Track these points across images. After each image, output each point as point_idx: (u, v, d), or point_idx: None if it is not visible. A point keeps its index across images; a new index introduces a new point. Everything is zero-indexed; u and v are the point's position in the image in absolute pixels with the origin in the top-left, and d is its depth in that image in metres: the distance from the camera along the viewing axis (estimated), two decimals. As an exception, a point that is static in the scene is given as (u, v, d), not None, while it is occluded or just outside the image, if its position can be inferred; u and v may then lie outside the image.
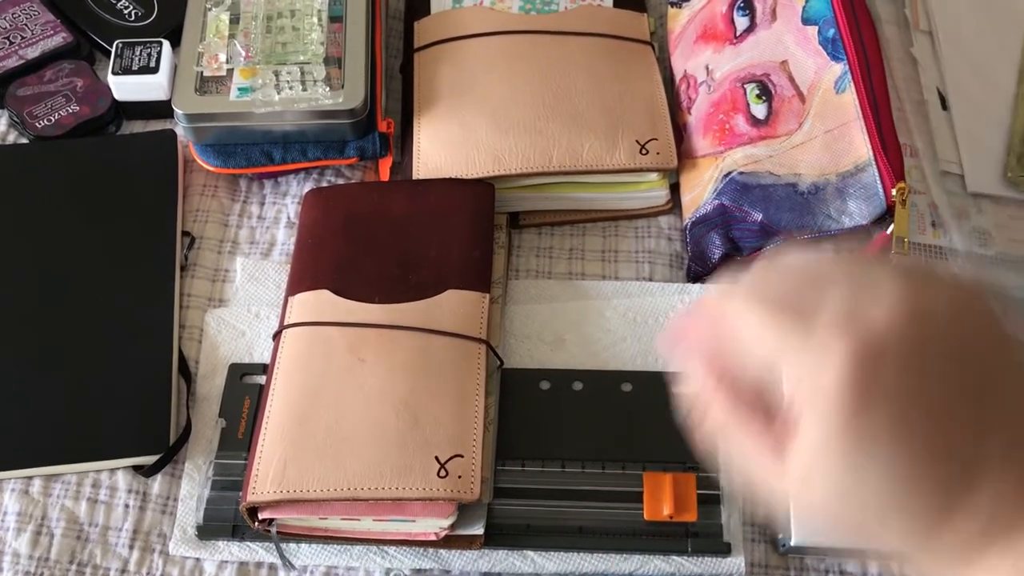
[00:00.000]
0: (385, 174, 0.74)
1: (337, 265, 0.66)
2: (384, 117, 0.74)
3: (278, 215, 0.75)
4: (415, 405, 0.59)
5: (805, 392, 0.35)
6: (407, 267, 0.66)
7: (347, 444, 0.58)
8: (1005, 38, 0.75)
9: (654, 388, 0.65)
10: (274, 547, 0.60)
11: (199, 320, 0.69)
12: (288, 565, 0.60)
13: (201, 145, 0.73)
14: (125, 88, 0.77)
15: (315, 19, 0.74)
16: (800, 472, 0.36)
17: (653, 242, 0.73)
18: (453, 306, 0.64)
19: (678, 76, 0.78)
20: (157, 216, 0.72)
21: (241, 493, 0.58)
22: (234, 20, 0.74)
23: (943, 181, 0.68)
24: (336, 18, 0.75)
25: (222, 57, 0.72)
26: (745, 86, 0.70)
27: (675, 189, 0.74)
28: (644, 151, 0.71)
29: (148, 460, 0.63)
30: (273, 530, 0.58)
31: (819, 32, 0.68)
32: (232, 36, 0.73)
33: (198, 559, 0.61)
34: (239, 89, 0.71)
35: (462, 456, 0.58)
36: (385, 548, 0.60)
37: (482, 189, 0.69)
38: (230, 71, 0.72)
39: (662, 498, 0.60)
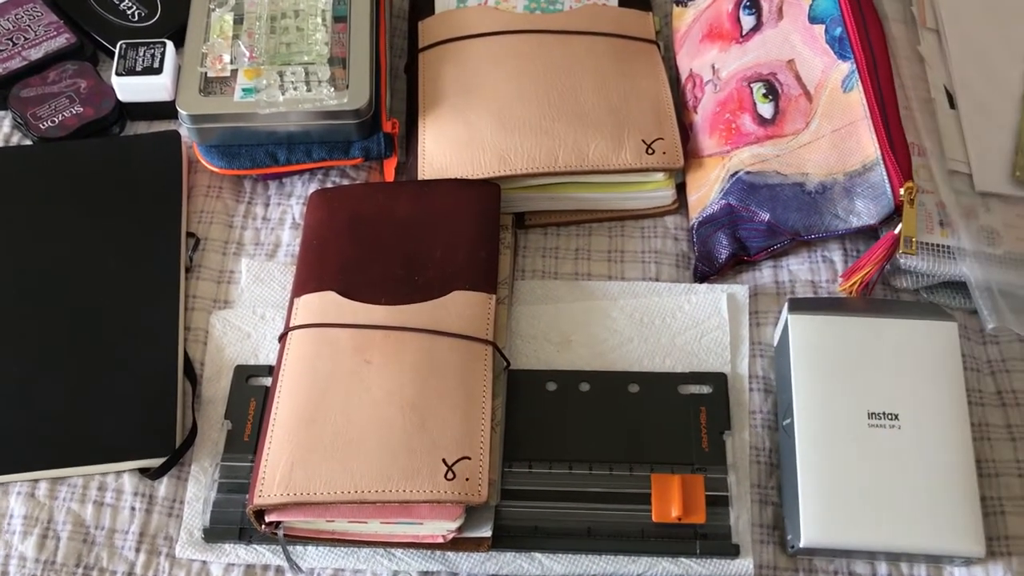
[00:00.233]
0: (390, 175, 0.74)
1: (343, 266, 0.66)
2: (389, 117, 0.74)
3: (283, 216, 0.74)
4: (422, 407, 0.59)
5: None
6: (413, 268, 0.65)
7: (354, 446, 0.58)
8: (1013, 36, 0.75)
9: (661, 389, 0.65)
10: (281, 550, 0.60)
11: (204, 322, 0.69)
12: (295, 568, 0.60)
13: (205, 146, 0.73)
14: (129, 89, 0.77)
15: (319, 19, 0.74)
16: None
17: (659, 242, 0.72)
18: (459, 307, 0.64)
19: (684, 75, 0.77)
20: (161, 217, 0.72)
21: (248, 496, 0.58)
22: (238, 20, 0.74)
23: (951, 180, 0.67)
24: (340, 18, 0.75)
25: (226, 58, 0.72)
26: (751, 85, 0.70)
27: (681, 189, 0.74)
28: (650, 151, 0.70)
29: (154, 463, 0.63)
30: (280, 532, 0.58)
31: (826, 31, 0.67)
32: (236, 37, 0.73)
33: (205, 562, 0.61)
34: (243, 90, 0.71)
35: (469, 458, 0.57)
36: (392, 550, 0.60)
37: (488, 189, 0.69)
38: (234, 72, 0.72)
39: (670, 500, 0.60)
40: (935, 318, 0.63)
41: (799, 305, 0.64)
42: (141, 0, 0.83)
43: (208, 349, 0.68)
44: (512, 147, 0.70)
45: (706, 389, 0.65)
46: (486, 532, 0.59)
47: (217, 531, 0.61)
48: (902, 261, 0.65)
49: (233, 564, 0.61)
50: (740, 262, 0.70)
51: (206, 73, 0.72)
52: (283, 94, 0.70)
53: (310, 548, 0.60)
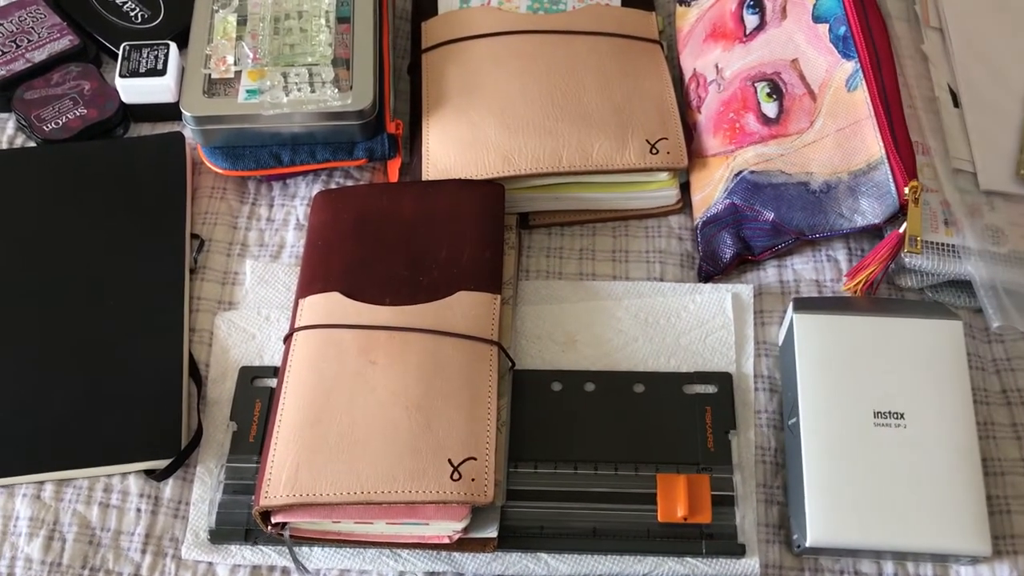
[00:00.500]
0: (394, 175, 0.74)
1: (347, 267, 0.66)
2: (393, 118, 0.74)
3: (287, 217, 0.74)
4: (427, 407, 0.59)
5: None
6: (417, 269, 0.65)
7: (360, 447, 0.58)
8: (1017, 34, 0.75)
9: (666, 389, 0.65)
10: (287, 551, 0.60)
11: (209, 323, 0.69)
12: (301, 568, 0.60)
13: (209, 147, 0.73)
14: (132, 91, 0.77)
15: (323, 20, 0.74)
16: None
17: (664, 242, 0.72)
18: (464, 308, 0.64)
19: (687, 75, 0.77)
20: (166, 219, 0.72)
21: (254, 497, 0.58)
22: (241, 22, 0.74)
23: (955, 179, 0.67)
24: (344, 19, 0.75)
25: (230, 59, 0.72)
26: (755, 84, 0.70)
27: (685, 189, 0.74)
28: (654, 150, 0.70)
29: (160, 464, 0.63)
30: (286, 533, 0.58)
31: (830, 30, 0.67)
32: (240, 38, 0.73)
33: (211, 563, 0.61)
34: (247, 91, 0.71)
35: (475, 459, 0.57)
36: (398, 551, 0.60)
37: (492, 189, 0.69)
38: (238, 73, 0.72)
39: (676, 499, 0.60)
40: (940, 317, 0.63)
41: (804, 304, 0.64)
42: (144, 2, 0.83)
43: (213, 350, 0.68)
44: (516, 147, 0.70)
45: (711, 389, 0.65)
46: (492, 532, 0.59)
47: (223, 532, 0.61)
48: (907, 260, 0.65)
49: (239, 565, 0.61)
50: (744, 261, 0.70)
51: (210, 74, 0.72)
52: (287, 95, 0.70)
53: (316, 549, 0.60)
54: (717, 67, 0.74)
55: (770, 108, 0.69)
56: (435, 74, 0.76)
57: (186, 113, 0.70)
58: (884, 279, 0.67)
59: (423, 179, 0.71)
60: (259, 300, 0.70)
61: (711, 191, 0.70)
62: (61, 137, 0.76)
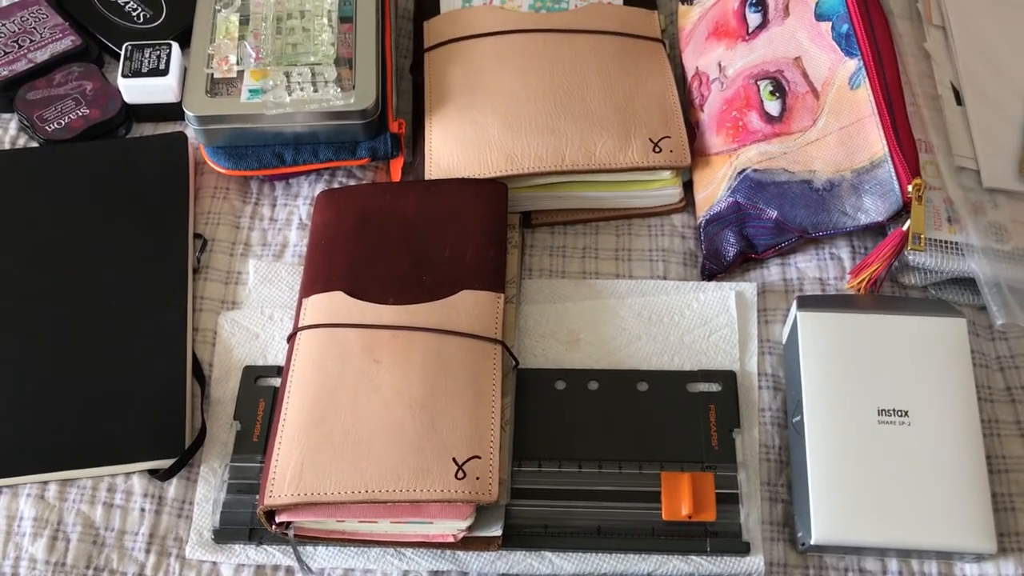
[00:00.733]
0: (397, 174, 0.74)
1: (351, 266, 0.66)
2: (395, 117, 0.74)
3: (290, 217, 0.74)
4: (431, 406, 0.59)
5: None
6: (421, 268, 0.65)
7: (364, 446, 0.58)
8: (1019, 31, 0.75)
9: (670, 387, 0.65)
10: (291, 550, 0.60)
11: (212, 323, 0.69)
12: (305, 568, 0.60)
13: (212, 147, 0.73)
14: (135, 91, 0.77)
15: (325, 20, 0.74)
16: None
17: (667, 240, 0.72)
18: (468, 306, 0.63)
19: (690, 73, 0.77)
20: (168, 219, 0.72)
21: (258, 496, 0.58)
22: (244, 21, 0.74)
23: (958, 176, 0.67)
24: (346, 18, 0.75)
25: (232, 59, 0.72)
26: (758, 83, 0.70)
27: (688, 187, 0.74)
28: (657, 149, 0.70)
29: (163, 464, 0.63)
30: (290, 533, 0.58)
31: (832, 28, 0.67)
32: (242, 37, 0.73)
33: (215, 563, 0.61)
34: (250, 91, 0.71)
35: (479, 457, 0.57)
36: (402, 550, 0.60)
37: (495, 188, 0.69)
38: (240, 73, 0.72)
39: (680, 497, 0.60)
40: (944, 314, 0.63)
41: (808, 303, 0.64)
42: (146, 2, 0.83)
43: (216, 350, 0.68)
44: (519, 146, 0.70)
45: (715, 387, 0.65)
46: (496, 531, 0.59)
47: (227, 532, 0.61)
48: (910, 258, 0.65)
49: (243, 565, 0.61)
50: (748, 260, 0.70)
51: (212, 74, 0.72)
52: (290, 95, 0.70)
53: (320, 548, 0.60)
54: (720, 65, 0.74)
55: (773, 106, 0.69)
56: (437, 73, 0.76)
57: (189, 113, 0.70)
58: (887, 277, 0.67)
59: (426, 178, 0.71)
60: (262, 299, 0.70)
61: (714, 189, 0.70)
62: (63, 137, 0.76)
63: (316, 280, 0.66)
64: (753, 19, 0.72)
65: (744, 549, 0.59)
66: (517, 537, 0.60)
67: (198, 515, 0.62)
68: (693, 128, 0.75)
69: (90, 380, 0.65)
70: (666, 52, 0.77)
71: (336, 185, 0.76)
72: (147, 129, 0.79)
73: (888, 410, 0.60)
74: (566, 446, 0.63)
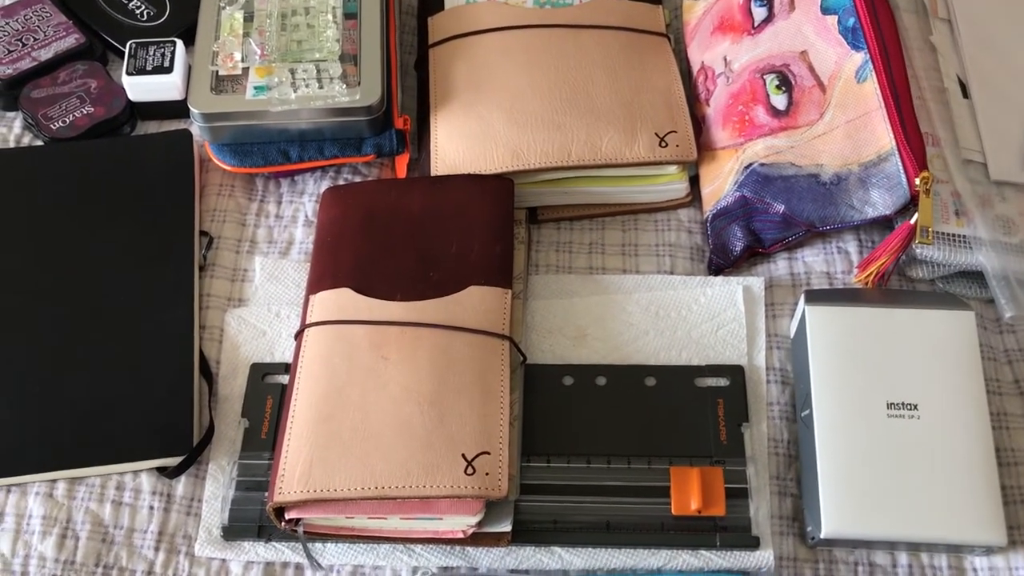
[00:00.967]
0: (402, 171, 0.74)
1: (357, 263, 0.66)
2: (400, 114, 0.74)
3: (295, 214, 0.74)
4: (440, 402, 0.59)
5: None
6: (428, 264, 0.65)
7: (373, 443, 0.57)
8: (1025, 24, 0.75)
9: (678, 382, 0.65)
10: (300, 547, 0.60)
11: (219, 320, 0.69)
12: (315, 565, 0.60)
13: (217, 144, 0.73)
14: (139, 88, 0.77)
15: (330, 16, 0.74)
16: None
17: (673, 235, 0.72)
18: (475, 302, 0.63)
19: (695, 68, 0.77)
20: (174, 216, 0.72)
21: (267, 493, 0.58)
22: (248, 18, 0.74)
23: (966, 169, 0.67)
24: (351, 15, 0.75)
25: (237, 56, 0.72)
26: (764, 77, 0.70)
27: (694, 182, 0.74)
28: (663, 144, 0.70)
29: (172, 462, 0.63)
30: (300, 530, 0.58)
31: (839, 21, 0.67)
32: (247, 34, 0.73)
33: (224, 560, 0.61)
34: (255, 88, 0.71)
35: (489, 453, 0.57)
36: (412, 547, 0.60)
37: (501, 184, 0.69)
38: (245, 70, 0.72)
39: (689, 492, 0.60)
40: (952, 307, 0.63)
41: (816, 296, 0.64)
42: (149, -1, 0.83)
43: (224, 347, 0.68)
44: (525, 142, 0.70)
45: (723, 382, 0.65)
46: (506, 527, 0.58)
47: (236, 529, 0.61)
48: (918, 251, 0.65)
49: (252, 562, 0.60)
50: (755, 254, 0.70)
51: (217, 71, 0.72)
52: (295, 91, 0.70)
53: (329, 545, 0.60)
54: (725, 60, 0.73)
55: (779, 100, 0.69)
56: (442, 69, 0.75)
57: (194, 110, 0.70)
58: (895, 270, 0.67)
59: (432, 174, 0.71)
60: (269, 297, 0.70)
61: (721, 184, 0.70)
62: (68, 135, 0.76)
63: (323, 277, 0.66)
64: (759, 13, 0.72)
65: (754, 543, 0.59)
66: (526, 533, 0.60)
67: (207, 512, 0.62)
68: (699, 123, 0.74)
69: (97, 378, 0.65)
70: (671, 47, 0.77)
71: (341, 182, 0.76)
72: (151, 127, 0.79)
73: (897, 403, 0.60)
74: (575, 442, 0.63)
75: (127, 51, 0.77)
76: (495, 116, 0.72)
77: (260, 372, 0.66)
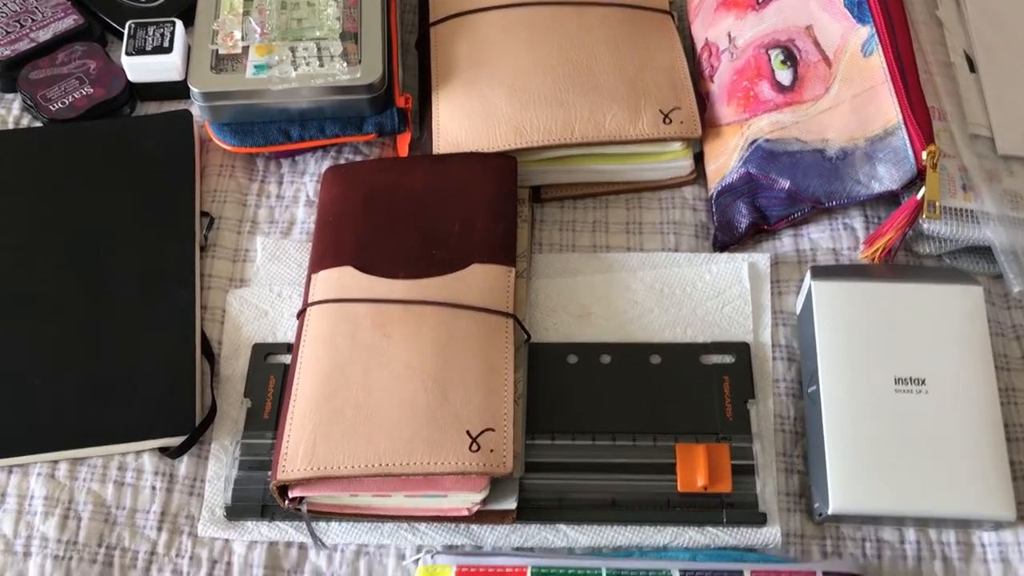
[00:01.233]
0: (404, 150, 0.73)
1: (359, 242, 0.65)
2: (401, 92, 0.73)
3: (297, 194, 0.74)
4: (444, 380, 0.58)
5: None
6: (430, 242, 0.65)
7: (377, 420, 0.57)
8: (1031, -1, 0.74)
9: (684, 359, 0.64)
10: (304, 526, 0.59)
11: (221, 301, 0.69)
12: (319, 543, 0.59)
13: (218, 124, 0.72)
14: (139, 69, 0.76)
15: (330, -6, 0.73)
16: None
17: (678, 213, 0.72)
18: (479, 280, 0.63)
19: (699, 45, 0.77)
20: (175, 197, 0.71)
21: (271, 472, 0.58)
22: (248, -3, 0.73)
23: (973, 144, 0.67)
24: (351, -7, 0.74)
25: (237, 35, 0.71)
26: (769, 52, 0.69)
27: (698, 159, 0.73)
28: (667, 120, 0.70)
29: (174, 442, 0.62)
30: (304, 508, 0.58)
31: (844, -5, 0.67)
32: (247, 13, 0.72)
33: (227, 540, 0.60)
34: (255, 67, 0.70)
35: (493, 430, 0.57)
36: (416, 525, 0.60)
37: (504, 162, 0.68)
38: (246, 49, 0.71)
39: (696, 469, 0.60)
40: (960, 282, 0.63)
41: (822, 272, 0.64)
42: (148, -20, 0.83)
43: (225, 328, 0.68)
44: (528, 119, 0.70)
45: (729, 359, 0.64)
46: (511, 504, 0.58)
47: (239, 509, 0.60)
48: (925, 226, 0.64)
49: (256, 541, 0.60)
50: (760, 231, 0.70)
51: (217, 50, 0.71)
52: (295, 70, 0.70)
53: (333, 524, 0.60)
54: (729, 36, 0.73)
55: (784, 75, 0.68)
56: (444, 47, 0.75)
57: (194, 89, 0.69)
58: (902, 246, 0.67)
59: (434, 153, 0.70)
60: (271, 277, 0.70)
61: (725, 160, 0.69)
62: (67, 116, 0.75)
63: (325, 256, 0.65)
64: (763, -12, 0.72)
65: (760, 520, 0.59)
66: (531, 511, 0.59)
67: (210, 492, 0.62)
68: (703, 100, 0.74)
69: (99, 359, 0.64)
70: (675, 24, 0.76)
71: (343, 162, 0.75)
72: (151, 108, 0.79)
73: (905, 379, 0.60)
74: (579, 419, 0.62)
75: (126, 31, 0.77)
76: (497, 94, 0.71)
77: (262, 352, 0.66)
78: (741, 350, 0.64)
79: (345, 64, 0.70)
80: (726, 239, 0.69)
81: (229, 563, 0.60)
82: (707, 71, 0.74)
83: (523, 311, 0.65)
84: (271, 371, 0.65)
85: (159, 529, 0.61)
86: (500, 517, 0.59)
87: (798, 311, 0.66)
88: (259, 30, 0.71)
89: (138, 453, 0.63)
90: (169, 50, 0.76)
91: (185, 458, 0.63)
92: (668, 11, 0.77)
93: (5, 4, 0.80)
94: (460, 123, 0.71)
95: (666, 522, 0.59)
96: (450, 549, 0.59)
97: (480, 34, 0.74)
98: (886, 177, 0.64)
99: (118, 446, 0.62)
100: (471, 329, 0.61)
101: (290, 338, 0.67)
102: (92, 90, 0.76)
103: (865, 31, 0.65)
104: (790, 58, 0.68)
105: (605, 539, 0.59)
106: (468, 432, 0.57)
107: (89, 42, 0.79)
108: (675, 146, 0.71)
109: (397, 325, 0.61)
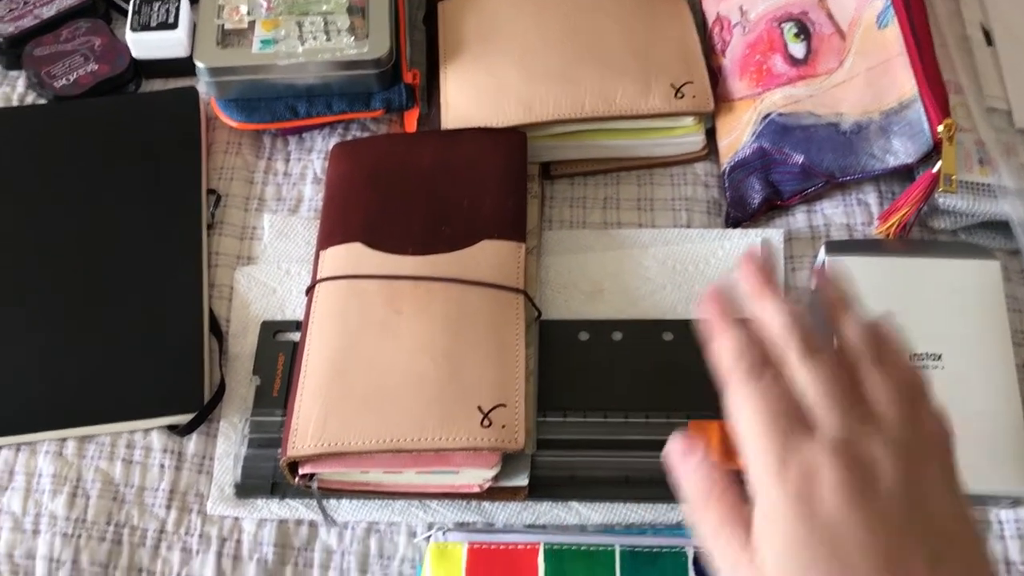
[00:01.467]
0: (411, 126, 0.72)
1: (368, 218, 0.65)
2: (409, 68, 0.72)
3: (304, 171, 0.73)
4: (455, 356, 0.58)
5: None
6: (439, 218, 0.64)
7: (388, 396, 0.56)
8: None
9: (696, 337, 0.63)
10: (314, 504, 0.59)
11: (228, 278, 0.68)
12: (329, 520, 0.59)
13: (224, 100, 0.71)
14: (144, 45, 0.75)
15: (337, -32, 0.72)
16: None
17: (690, 189, 0.71)
18: (489, 256, 0.62)
19: (711, 19, 0.76)
20: (181, 175, 0.70)
21: (281, 448, 0.57)
22: (254, -29, 0.72)
23: (990, 117, 0.66)
24: (358, -33, 0.73)
25: (243, 9, 0.70)
26: (782, 25, 0.68)
27: (710, 135, 0.72)
28: (679, 95, 0.69)
29: (182, 419, 0.62)
30: (314, 485, 0.57)
31: (859, -34, 0.66)
32: (253, -13, 0.72)
33: (237, 518, 0.60)
34: (262, 41, 0.69)
35: (505, 405, 0.56)
36: (427, 502, 0.59)
37: (513, 137, 0.67)
38: (252, 23, 0.70)
39: (708, 446, 0.59)
40: (977, 257, 0.62)
41: (836, 247, 0.63)
42: (152, -43, 0.82)
43: (233, 305, 0.67)
44: (537, 94, 0.69)
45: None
46: (523, 481, 0.57)
47: (248, 486, 0.60)
48: (941, 201, 0.64)
49: (265, 519, 0.60)
50: (773, 207, 0.69)
51: (223, 25, 0.70)
52: (302, 44, 0.69)
53: (343, 502, 0.60)
54: (741, 9, 0.72)
55: (798, 49, 0.67)
56: (452, 22, 0.74)
57: (200, 64, 0.69)
58: (917, 221, 0.66)
59: (442, 129, 0.69)
60: (278, 254, 0.69)
61: (738, 135, 0.69)
62: (72, 94, 0.74)
63: (333, 232, 0.65)
64: (776, -40, 0.70)
65: (775, 497, 0.58)
66: (543, 488, 0.59)
67: (219, 470, 0.61)
68: (715, 74, 0.73)
69: (107, 336, 0.64)
70: (686, -1, 0.75)
71: (350, 138, 0.74)
72: (156, 86, 0.78)
73: (921, 354, 0.59)
74: (591, 396, 0.62)
75: (131, 7, 0.76)
76: (506, 69, 0.70)
77: (271, 329, 0.65)
78: (754, 326, 0.64)
79: (352, 39, 0.69)
80: (739, 215, 0.68)
81: (239, 541, 0.59)
82: (719, 46, 0.74)
83: (533, 288, 0.64)
84: (280, 348, 0.65)
85: (168, 507, 0.60)
86: (512, 494, 0.58)
87: (812, 287, 0.66)
88: (265, 4, 0.71)
89: (146, 431, 0.62)
90: (174, 26, 0.75)
91: (194, 436, 0.62)
92: (679, -15, 0.76)
93: (8, -20, 0.79)
94: (469, 98, 0.70)
95: (679, 499, 0.58)
96: (461, 526, 0.59)
97: (488, 9, 0.74)
98: (901, 151, 0.63)
99: (126, 424, 0.62)
100: (482, 305, 0.60)
101: (298, 315, 0.66)
102: (97, 67, 0.75)
103: (880, 3, 0.64)
104: (803, 31, 0.67)
105: (618, 516, 0.59)
106: (479, 408, 0.56)
107: (93, 18, 0.78)
108: (687, 121, 0.70)
109: (407, 301, 0.60)
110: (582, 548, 0.55)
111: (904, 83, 0.63)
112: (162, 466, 0.61)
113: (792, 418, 0.41)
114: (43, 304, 0.65)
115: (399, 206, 0.65)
